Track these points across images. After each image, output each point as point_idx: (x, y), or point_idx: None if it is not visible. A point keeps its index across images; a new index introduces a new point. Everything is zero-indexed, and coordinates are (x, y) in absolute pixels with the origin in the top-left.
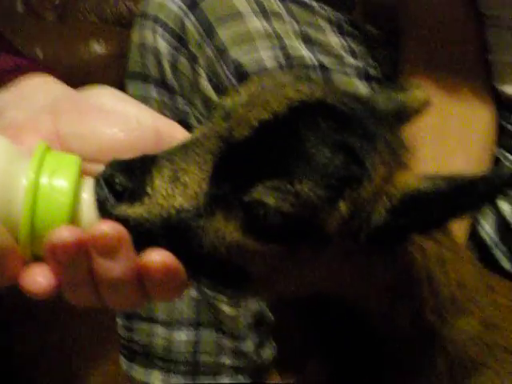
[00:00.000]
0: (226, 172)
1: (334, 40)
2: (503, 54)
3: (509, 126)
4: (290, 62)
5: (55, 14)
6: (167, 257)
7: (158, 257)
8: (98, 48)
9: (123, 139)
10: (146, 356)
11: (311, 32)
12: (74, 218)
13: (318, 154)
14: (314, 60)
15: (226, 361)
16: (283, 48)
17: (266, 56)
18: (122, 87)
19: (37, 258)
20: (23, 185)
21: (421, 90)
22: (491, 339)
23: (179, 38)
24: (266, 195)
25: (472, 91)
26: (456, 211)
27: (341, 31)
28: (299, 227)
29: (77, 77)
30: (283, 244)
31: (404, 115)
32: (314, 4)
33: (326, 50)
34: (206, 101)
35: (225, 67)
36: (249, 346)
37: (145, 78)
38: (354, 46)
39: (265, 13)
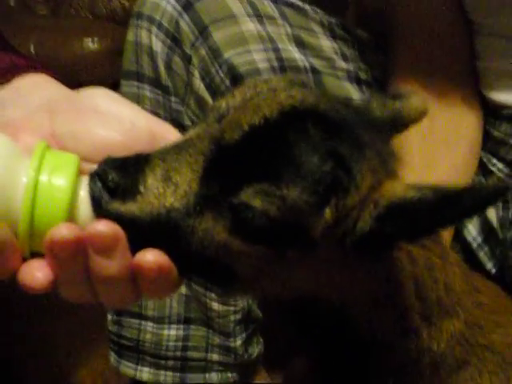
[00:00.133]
0: (216, 173)
1: (326, 43)
2: (491, 60)
3: (494, 132)
4: (282, 65)
5: (47, 7)
6: (160, 256)
7: (151, 256)
8: (91, 44)
9: (117, 140)
10: (136, 351)
11: (304, 35)
12: (71, 215)
13: (306, 160)
14: (306, 63)
15: (215, 357)
16: (276, 50)
17: (259, 58)
18: (114, 83)
19: (34, 254)
20: (23, 182)
21: (418, 98)
22: (474, 338)
23: (174, 38)
24: (253, 198)
25: (460, 97)
26: (442, 222)
27: (333, 35)
28: (285, 231)
29: (70, 72)
30: (270, 246)
31: (400, 123)
32: (307, 8)
33: (317, 53)
34: (200, 100)
35: (218, 68)
36: (237, 342)
37: (139, 76)
38: (345, 49)
39: (258, 16)
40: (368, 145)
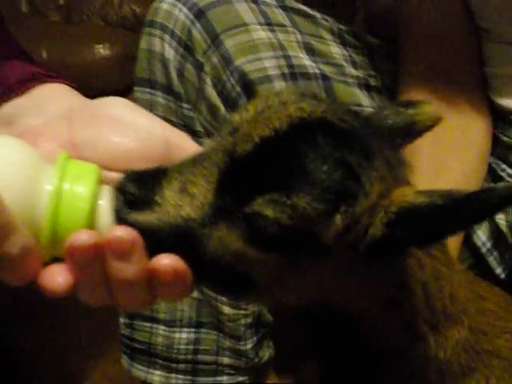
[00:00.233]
0: (230, 184)
1: (336, 50)
2: (499, 66)
3: (503, 137)
4: (293, 71)
5: (59, 14)
6: (176, 261)
7: (167, 260)
8: (102, 50)
9: (134, 148)
10: (147, 354)
11: (314, 42)
12: (91, 223)
13: (316, 170)
14: (316, 69)
15: (225, 360)
16: (286, 57)
17: (270, 65)
18: (124, 89)
19: (53, 260)
20: (46, 190)
21: (431, 105)
22: (479, 345)
23: (186, 46)
24: (265, 207)
25: (469, 103)
26: (452, 226)
27: (343, 42)
28: (297, 238)
29: (81, 78)
30: (283, 254)
31: (414, 130)
32: (317, 15)
33: (327, 60)
34: (211, 107)
35: (229, 75)
36: (247, 346)
37: (152, 83)
38: (355, 56)
39: (269, 24)
40: (376, 153)
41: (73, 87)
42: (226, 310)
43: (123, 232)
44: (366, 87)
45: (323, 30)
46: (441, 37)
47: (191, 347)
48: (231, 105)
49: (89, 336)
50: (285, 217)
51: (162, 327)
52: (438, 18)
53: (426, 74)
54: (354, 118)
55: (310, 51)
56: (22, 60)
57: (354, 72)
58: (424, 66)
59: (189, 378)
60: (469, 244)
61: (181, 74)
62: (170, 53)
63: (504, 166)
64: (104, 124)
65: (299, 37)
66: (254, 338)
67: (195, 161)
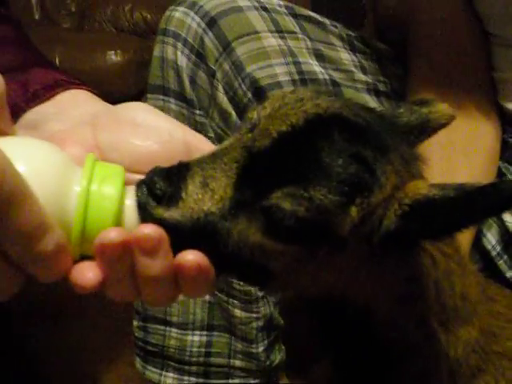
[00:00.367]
0: (249, 179)
1: (345, 56)
2: (508, 71)
3: None
4: (303, 77)
5: (72, 21)
6: (200, 257)
7: (191, 256)
8: (113, 57)
9: (157, 151)
10: (160, 357)
11: (323, 49)
12: (118, 222)
13: (332, 163)
14: (326, 75)
15: (237, 363)
16: (296, 64)
17: (280, 71)
18: (137, 94)
19: (82, 258)
20: (75, 191)
21: (445, 104)
22: (489, 346)
23: (198, 54)
24: (283, 200)
25: (477, 107)
26: (464, 219)
27: (352, 48)
28: (314, 230)
29: (93, 84)
30: (301, 246)
31: (428, 128)
32: (327, 22)
33: (337, 66)
34: (223, 113)
35: (241, 82)
36: (259, 348)
37: (165, 90)
38: (364, 62)
39: (280, 31)
40: (391, 147)
41: (95, 93)
42: (238, 313)
43: (150, 229)
44: (375, 92)
45: (333, 36)
46: (449, 42)
47: (203, 350)
48: (242, 111)
49: (103, 339)
50: (302, 209)
51: (175, 330)
52: (445, 24)
53: (434, 78)
54: (369, 114)
55: (320, 57)
56: (44, 67)
57: (363, 77)
58: (433, 71)
59: (201, 380)
60: (478, 247)
61: (193, 81)
62: (182, 60)
63: None
64: (127, 128)
65: (309, 43)
66: (266, 341)
67: (215, 156)
